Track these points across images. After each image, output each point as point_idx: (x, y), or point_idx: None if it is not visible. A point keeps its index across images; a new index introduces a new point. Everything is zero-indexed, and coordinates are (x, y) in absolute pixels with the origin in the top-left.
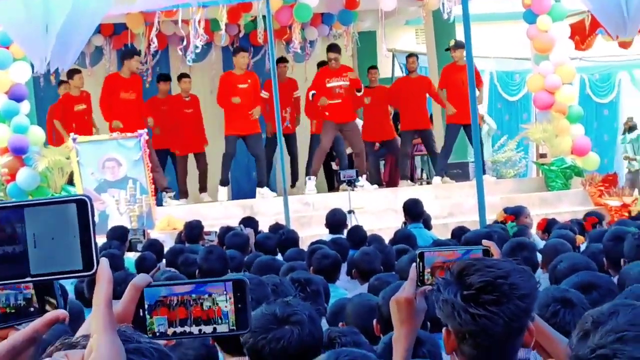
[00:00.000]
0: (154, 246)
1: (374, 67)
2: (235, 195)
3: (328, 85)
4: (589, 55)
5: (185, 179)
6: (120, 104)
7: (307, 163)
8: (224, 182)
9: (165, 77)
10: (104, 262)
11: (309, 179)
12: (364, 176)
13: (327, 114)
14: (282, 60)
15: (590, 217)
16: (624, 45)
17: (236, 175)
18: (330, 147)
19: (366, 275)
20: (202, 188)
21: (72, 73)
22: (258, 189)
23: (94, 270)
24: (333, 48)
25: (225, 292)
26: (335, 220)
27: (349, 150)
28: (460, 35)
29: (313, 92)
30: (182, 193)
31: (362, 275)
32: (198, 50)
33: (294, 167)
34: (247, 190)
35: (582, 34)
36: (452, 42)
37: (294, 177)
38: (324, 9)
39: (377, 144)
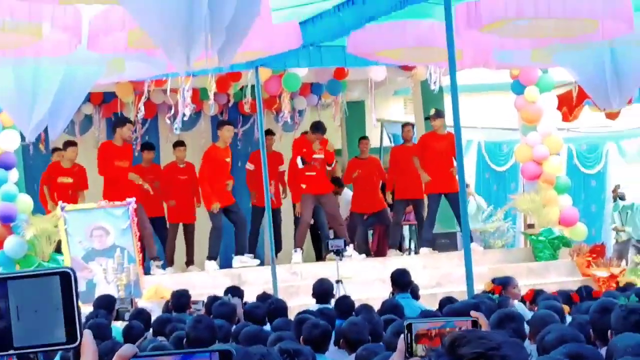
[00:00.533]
0: (141, 315)
1: (365, 137)
2: (223, 264)
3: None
4: (577, 126)
5: (174, 248)
6: (114, 171)
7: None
8: (213, 257)
9: (150, 146)
10: (88, 334)
11: (295, 251)
12: (352, 245)
13: (304, 186)
14: (269, 132)
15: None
16: (611, 116)
17: (223, 243)
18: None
19: (354, 345)
20: (190, 261)
21: (67, 144)
22: (238, 257)
23: (77, 343)
24: (319, 129)
25: None
26: (322, 289)
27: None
28: (448, 105)
29: (301, 158)
30: (169, 262)
31: (349, 346)
32: (186, 119)
33: (277, 239)
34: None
35: (569, 105)
36: (432, 111)
37: (277, 248)
38: (312, 79)
39: (366, 215)
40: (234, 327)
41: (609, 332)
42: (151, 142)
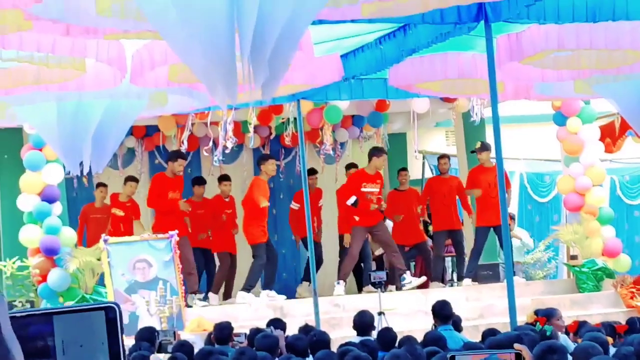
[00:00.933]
0: (184, 347)
1: (405, 169)
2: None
3: (363, 189)
4: (619, 156)
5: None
6: (167, 203)
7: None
8: (248, 289)
9: (201, 181)
10: None
11: (338, 283)
12: (408, 273)
13: (357, 218)
14: (312, 172)
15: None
16: None
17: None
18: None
19: None
20: (228, 293)
21: (98, 185)
22: (265, 291)
23: None
24: (379, 152)
25: None
26: (363, 322)
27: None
28: (490, 137)
29: (356, 199)
30: (220, 292)
31: None
32: (228, 152)
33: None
34: (277, 290)
35: (612, 136)
36: (478, 145)
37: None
38: (354, 111)
39: (407, 247)
40: (277, 359)
41: None
42: (201, 176)
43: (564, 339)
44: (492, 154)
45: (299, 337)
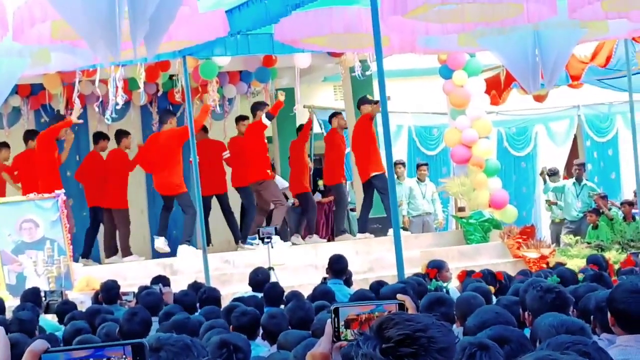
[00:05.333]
0: (68, 305)
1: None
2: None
3: None
4: (505, 109)
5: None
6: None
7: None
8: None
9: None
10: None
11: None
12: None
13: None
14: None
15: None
16: (539, 99)
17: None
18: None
19: (274, 336)
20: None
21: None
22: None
23: None
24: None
25: (124, 356)
26: (258, 278)
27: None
28: (377, 91)
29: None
30: (125, 250)
31: (270, 337)
32: (118, 108)
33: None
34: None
35: (497, 88)
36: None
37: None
38: (241, 67)
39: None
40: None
41: (526, 313)
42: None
43: (452, 291)
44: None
45: (186, 293)
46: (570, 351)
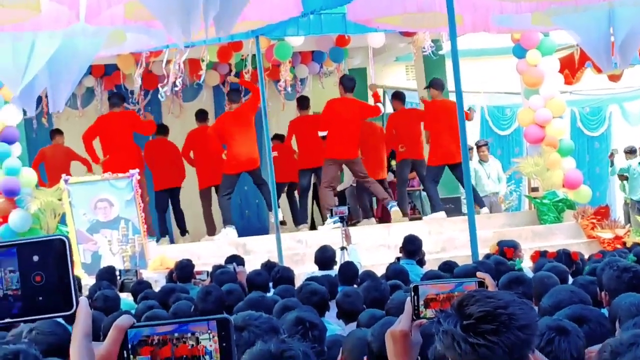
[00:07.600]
0: (143, 285)
1: None
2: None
3: None
4: (579, 88)
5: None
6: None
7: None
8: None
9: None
10: (83, 301)
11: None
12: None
13: None
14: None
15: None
16: (614, 78)
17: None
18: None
19: (350, 316)
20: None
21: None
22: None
23: (73, 310)
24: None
25: (209, 331)
26: (325, 257)
27: (342, 187)
28: (450, 71)
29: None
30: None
31: (345, 316)
32: (178, 88)
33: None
34: (240, 228)
35: (571, 68)
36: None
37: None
38: (314, 47)
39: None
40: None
41: (603, 292)
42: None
43: (526, 271)
44: (452, 87)
45: (259, 273)
46: None
